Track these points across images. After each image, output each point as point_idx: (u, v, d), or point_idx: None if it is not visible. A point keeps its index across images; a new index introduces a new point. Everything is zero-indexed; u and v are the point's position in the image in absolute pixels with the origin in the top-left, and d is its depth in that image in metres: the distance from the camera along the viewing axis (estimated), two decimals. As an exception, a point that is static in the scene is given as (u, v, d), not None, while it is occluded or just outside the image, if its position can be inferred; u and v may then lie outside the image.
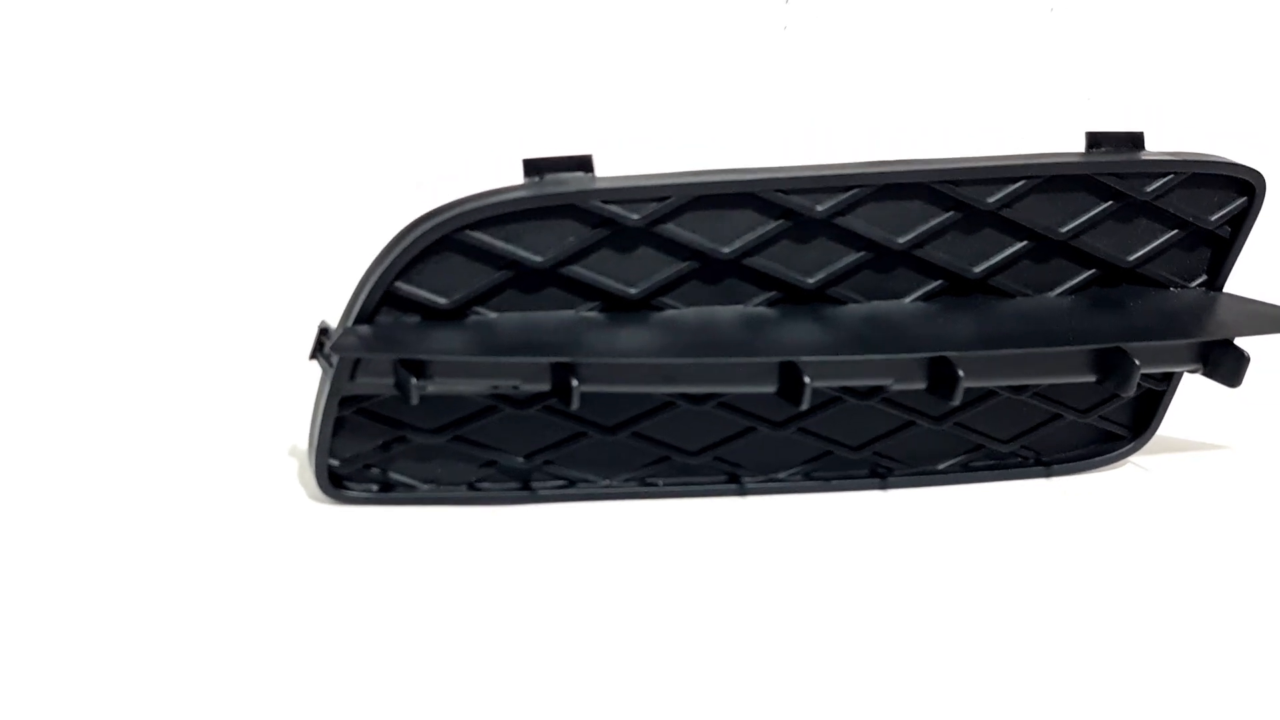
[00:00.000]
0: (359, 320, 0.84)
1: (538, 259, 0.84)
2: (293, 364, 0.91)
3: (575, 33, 1.27)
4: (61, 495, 0.92)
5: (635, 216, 0.84)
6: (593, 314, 0.87)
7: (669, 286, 0.87)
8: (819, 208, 0.86)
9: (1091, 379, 0.90)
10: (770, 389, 0.86)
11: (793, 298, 0.88)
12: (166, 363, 1.16)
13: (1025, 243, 0.90)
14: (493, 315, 0.85)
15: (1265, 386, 0.98)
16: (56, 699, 0.68)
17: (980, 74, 1.29)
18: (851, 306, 0.89)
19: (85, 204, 1.26)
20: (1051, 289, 0.92)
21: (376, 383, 0.85)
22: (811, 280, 0.88)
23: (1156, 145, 0.91)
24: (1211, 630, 0.76)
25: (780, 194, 0.85)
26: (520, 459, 0.90)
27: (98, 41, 1.25)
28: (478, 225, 0.83)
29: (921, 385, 0.88)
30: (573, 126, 1.22)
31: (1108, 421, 0.97)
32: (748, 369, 0.86)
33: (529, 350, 0.84)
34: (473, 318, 0.85)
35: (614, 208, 0.84)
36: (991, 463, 0.96)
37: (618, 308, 0.87)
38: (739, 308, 0.88)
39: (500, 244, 0.83)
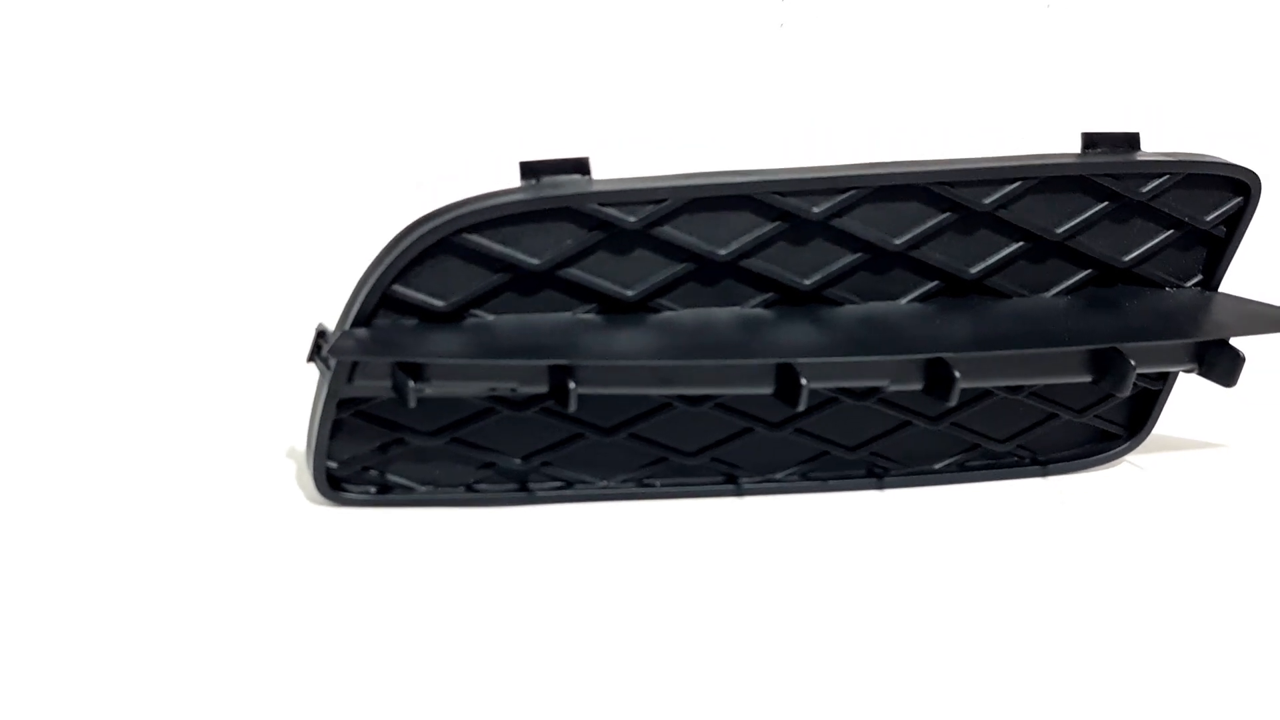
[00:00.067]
0: (357, 323, 0.84)
1: (535, 261, 0.84)
2: (291, 366, 0.91)
3: (572, 34, 1.27)
4: (61, 497, 0.92)
5: (632, 219, 0.84)
6: (590, 316, 0.87)
7: (666, 288, 0.87)
8: (815, 209, 0.86)
9: (1087, 379, 0.90)
10: (767, 390, 0.86)
11: (789, 299, 0.88)
12: (165, 365, 1.16)
13: (1021, 243, 0.90)
14: (490, 318, 0.86)
15: (1260, 386, 0.98)
16: (56, 699, 0.69)
17: (976, 74, 1.29)
18: (848, 308, 0.89)
19: (85, 205, 1.25)
20: (1047, 289, 0.92)
21: (374, 385, 0.85)
22: (808, 282, 0.88)
23: (1152, 146, 0.91)
24: (1207, 629, 0.76)
25: (777, 196, 0.85)
26: (518, 460, 0.91)
27: (98, 43, 1.25)
28: (475, 228, 0.83)
29: (918, 386, 0.88)
30: (569, 128, 1.22)
31: (1104, 421, 0.98)
32: (745, 370, 0.86)
33: (526, 353, 0.84)
34: (470, 320, 0.85)
35: (611, 210, 0.84)
36: (988, 462, 0.96)
37: (615, 310, 0.87)
38: (736, 309, 0.88)
39: (497, 247, 0.84)
